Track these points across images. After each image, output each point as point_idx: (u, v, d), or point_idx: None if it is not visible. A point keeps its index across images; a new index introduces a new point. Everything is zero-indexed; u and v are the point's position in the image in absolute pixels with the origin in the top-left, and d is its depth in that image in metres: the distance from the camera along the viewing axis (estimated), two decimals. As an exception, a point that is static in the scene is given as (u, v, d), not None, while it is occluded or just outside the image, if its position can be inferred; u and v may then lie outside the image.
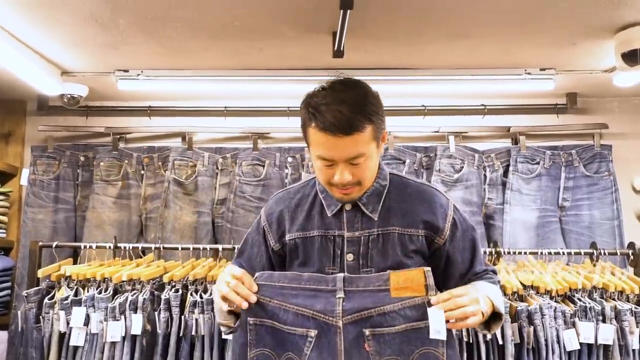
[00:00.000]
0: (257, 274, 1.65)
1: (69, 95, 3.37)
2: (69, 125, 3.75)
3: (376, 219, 1.66)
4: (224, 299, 1.58)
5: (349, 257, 1.66)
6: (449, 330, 1.50)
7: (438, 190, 1.77)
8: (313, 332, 1.56)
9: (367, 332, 1.54)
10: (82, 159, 3.66)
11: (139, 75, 3.15)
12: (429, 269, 1.56)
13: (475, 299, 1.53)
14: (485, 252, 2.78)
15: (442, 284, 1.75)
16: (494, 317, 1.70)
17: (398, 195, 1.70)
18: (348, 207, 1.67)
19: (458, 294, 1.52)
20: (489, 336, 2.43)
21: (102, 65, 3.09)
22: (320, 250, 1.68)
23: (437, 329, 1.48)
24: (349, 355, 1.54)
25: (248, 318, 1.61)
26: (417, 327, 1.52)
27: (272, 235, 1.78)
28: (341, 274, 1.60)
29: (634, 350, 2.47)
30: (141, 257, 3.01)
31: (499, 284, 1.84)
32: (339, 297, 1.57)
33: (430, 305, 1.51)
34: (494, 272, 1.83)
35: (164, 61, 3.02)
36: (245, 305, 1.57)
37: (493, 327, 1.70)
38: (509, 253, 2.89)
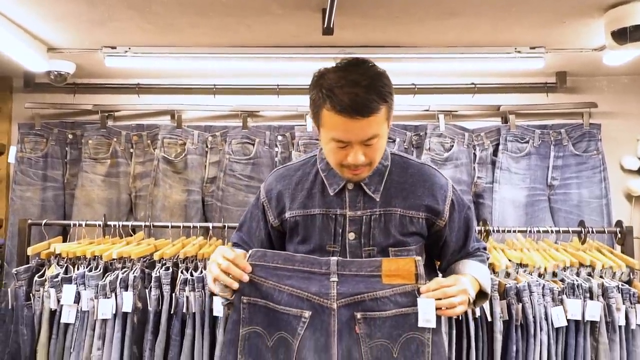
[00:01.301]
0: (250, 252, 1.66)
1: (55, 72, 3.33)
2: (56, 102, 3.71)
3: (378, 199, 1.67)
4: (216, 280, 1.59)
5: (351, 235, 1.68)
6: (437, 318, 1.54)
7: (438, 170, 1.79)
8: (307, 313, 1.59)
9: (358, 315, 1.57)
10: (70, 136, 3.65)
11: (126, 52, 3.10)
12: (420, 258, 1.59)
13: (463, 290, 1.57)
14: (474, 231, 2.81)
15: (436, 259, 1.81)
16: (481, 295, 1.73)
17: (399, 176, 1.71)
18: (350, 186, 1.69)
19: (447, 284, 1.55)
20: (477, 313, 2.45)
21: (89, 41, 3.04)
22: (321, 228, 1.70)
23: (427, 318, 1.52)
24: (341, 336, 1.56)
25: (242, 297, 1.62)
26: (405, 313, 1.55)
27: (272, 212, 1.79)
28: (335, 258, 1.61)
29: (620, 327, 2.51)
30: (131, 236, 3.01)
31: (488, 261, 1.87)
32: (333, 281, 1.59)
33: (419, 293, 1.54)
34: (485, 249, 1.86)
35: (152, 38, 2.98)
36: (236, 286, 1.58)
37: (478, 303, 1.74)
38: (498, 231, 2.92)
